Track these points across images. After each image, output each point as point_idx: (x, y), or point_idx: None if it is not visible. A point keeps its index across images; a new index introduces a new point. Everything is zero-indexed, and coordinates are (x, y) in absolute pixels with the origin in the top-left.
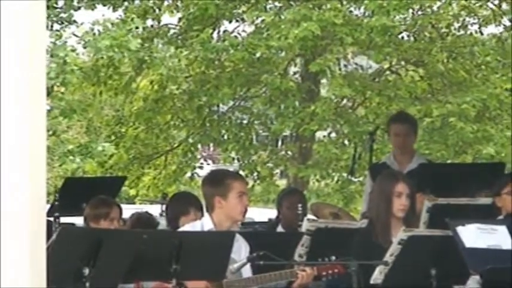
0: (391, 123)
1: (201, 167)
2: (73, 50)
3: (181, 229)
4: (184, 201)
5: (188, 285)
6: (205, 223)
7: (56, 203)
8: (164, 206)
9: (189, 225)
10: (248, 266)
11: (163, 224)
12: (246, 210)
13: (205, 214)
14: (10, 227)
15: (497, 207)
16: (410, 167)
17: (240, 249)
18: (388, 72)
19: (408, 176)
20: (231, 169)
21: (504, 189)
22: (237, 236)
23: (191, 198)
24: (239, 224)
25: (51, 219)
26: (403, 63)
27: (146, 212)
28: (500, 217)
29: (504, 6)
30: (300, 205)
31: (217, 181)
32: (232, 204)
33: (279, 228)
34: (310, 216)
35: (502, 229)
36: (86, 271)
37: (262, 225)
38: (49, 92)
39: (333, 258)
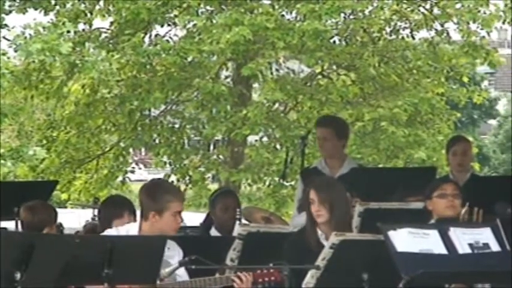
0: (316, 127)
1: (132, 171)
2: (4, 54)
3: (108, 232)
4: (118, 205)
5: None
6: (131, 229)
7: None
8: (96, 210)
9: (114, 229)
10: (184, 270)
11: None
12: (178, 228)
13: (138, 219)
14: None
15: (428, 211)
16: (341, 172)
17: (174, 254)
18: (319, 76)
19: (340, 181)
20: (162, 174)
21: (435, 192)
22: (170, 242)
23: (125, 201)
24: None
25: None
26: (334, 67)
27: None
28: (432, 221)
29: (435, 10)
30: (237, 210)
31: (156, 196)
32: (166, 222)
33: (213, 231)
34: (242, 220)
35: (434, 233)
36: (18, 275)
37: (194, 229)
38: None
39: (270, 264)
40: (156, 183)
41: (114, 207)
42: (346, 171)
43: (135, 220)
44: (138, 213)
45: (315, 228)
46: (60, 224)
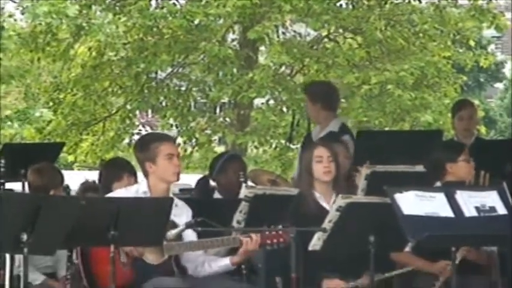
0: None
1: (139, 134)
2: (11, 16)
3: (114, 193)
4: (117, 167)
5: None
6: (140, 187)
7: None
8: None
9: (124, 190)
10: (192, 231)
11: None
12: (179, 171)
13: (142, 179)
14: None
15: (438, 173)
16: (327, 130)
17: (182, 214)
18: (326, 39)
19: (326, 138)
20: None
21: (461, 156)
22: (178, 201)
23: (124, 163)
24: (177, 190)
25: None
26: (341, 30)
27: (93, 181)
28: (437, 184)
29: None
30: (241, 173)
31: (145, 146)
32: (162, 168)
33: (216, 195)
34: (248, 182)
35: (440, 196)
36: (24, 237)
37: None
38: None
39: (280, 227)
40: (142, 136)
41: (113, 170)
42: (334, 129)
43: (135, 182)
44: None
45: (312, 191)
46: (67, 186)
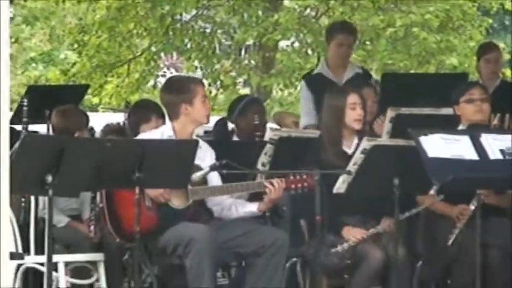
0: (337, 33)
1: (163, 76)
2: None
3: (139, 136)
4: (146, 109)
5: (146, 191)
6: (165, 131)
7: (20, 110)
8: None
9: (149, 133)
10: (217, 174)
11: None
12: (209, 114)
13: (167, 122)
14: None
15: (457, 117)
16: (346, 76)
17: (205, 156)
18: None
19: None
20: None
21: (462, 97)
22: (202, 142)
23: (152, 105)
24: (201, 132)
25: (15, 126)
26: None
27: (118, 123)
28: (461, 126)
29: None
30: (256, 115)
31: (182, 88)
32: (198, 109)
33: (235, 138)
34: (273, 125)
35: (465, 139)
36: (49, 178)
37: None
38: (11, 0)
39: (304, 170)
40: (174, 78)
41: (141, 112)
42: (351, 75)
43: (163, 124)
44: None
45: (342, 136)
46: (92, 128)
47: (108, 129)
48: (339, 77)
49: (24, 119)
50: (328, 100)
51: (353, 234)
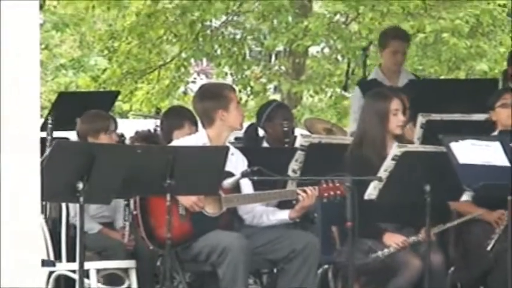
0: (391, 40)
1: (194, 82)
2: None
3: (173, 143)
4: (179, 115)
5: (180, 200)
6: (199, 138)
7: (50, 117)
8: (158, 121)
9: (183, 140)
10: (248, 181)
11: None
12: (243, 120)
13: (200, 129)
14: (2, 141)
15: (492, 122)
16: (401, 82)
17: (237, 163)
18: None
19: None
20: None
21: (497, 102)
22: (234, 149)
23: (186, 112)
24: (232, 138)
25: (45, 133)
26: None
27: (148, 130)
28: (495, 133)
29: None
30: (285, 122)
31: (217, 94)
32: (234, 116)
33: (264, 144)
34: (303, 131)
35: (496, 145)
36: (80, 185)
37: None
38: (41, 6)
39: (335, 176)
40: (210, 85)
41: (174, 118)
42: (405, 82)
43: (196, 131)
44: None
45: (385, 140)
46: (122, 135)
47: (138, 136)
48: (393, 83)
49: (50, 128)
50: (371, 104)
51: (395, 240)
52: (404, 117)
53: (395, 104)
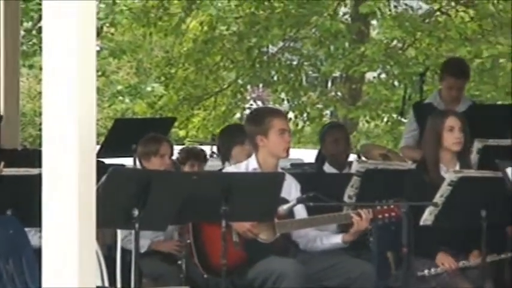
0: (448, 75)
1: (250, 108)
2: None
3: (226, 169)
4: (238, 132)
5: (234, 227)
6: (250, 163)
7: (106, 144)
8: (214, 147)
9: (234, 166)
10: (302, 206)
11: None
12: (289, 147)
13: (252, 155)
14: (59, 168)
15: None
16: (459, 109)
17: (290, 189)
18: (438, 13)
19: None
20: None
21: None
22: (287, 175)
23: (241, 128)
24: (288, 165)
25: (101, 160)
26: (453, 4)
27: (194, 147)
28: None
29: None
30: (338, 141)
31: (258, 119)
32: (274, 142)
33: (327, 166)
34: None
35: None
36: (136, 212)
37: (311, 166)
38: (99, 33)
39: (391, 201)
40: (256, 110)
41: (233, 135)
42: (464, 109)
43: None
44: None
45: (439, 158)
46: (176, 162)
47: (181, 151)
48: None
49: (105, 154)
50: (429, 123)
51: (445, 261)
52: (461, 134)
53: (451, 121)
